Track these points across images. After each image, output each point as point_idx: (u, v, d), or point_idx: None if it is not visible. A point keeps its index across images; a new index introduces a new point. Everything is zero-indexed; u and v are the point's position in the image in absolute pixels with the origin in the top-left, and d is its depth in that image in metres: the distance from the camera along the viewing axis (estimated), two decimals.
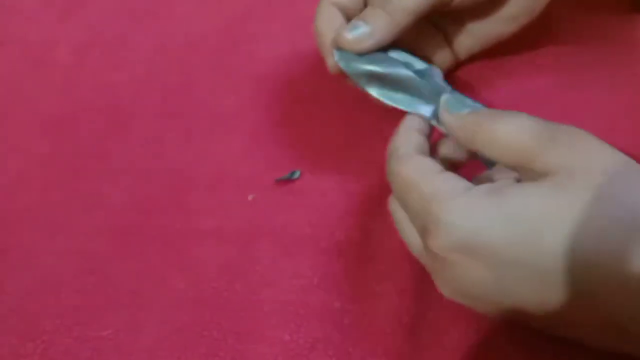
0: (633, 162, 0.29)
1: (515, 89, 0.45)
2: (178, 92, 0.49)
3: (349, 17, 0.39)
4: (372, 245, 0.39)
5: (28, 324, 0.38)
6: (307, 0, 0.53)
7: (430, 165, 0.32)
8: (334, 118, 0.46)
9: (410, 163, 0.32)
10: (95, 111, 0.48)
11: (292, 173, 0.43)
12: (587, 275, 0.27)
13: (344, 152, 0.44)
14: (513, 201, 0.28)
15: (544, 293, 0.28)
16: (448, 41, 0.43)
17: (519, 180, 0.32)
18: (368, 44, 0.37)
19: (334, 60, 0.38)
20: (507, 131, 0.31)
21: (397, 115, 0.36)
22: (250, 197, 0.43)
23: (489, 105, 0.43)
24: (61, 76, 0.51)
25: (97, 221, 0.43)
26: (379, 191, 0.41)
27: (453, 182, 0.31)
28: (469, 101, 0.35)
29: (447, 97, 0.35)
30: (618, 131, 0.42)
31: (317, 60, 0.49)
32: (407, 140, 0.34)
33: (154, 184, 0.44)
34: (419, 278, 0.37)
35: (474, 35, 0.42)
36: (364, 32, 0.37)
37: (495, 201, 0.29)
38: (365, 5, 0.39)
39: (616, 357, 0.29)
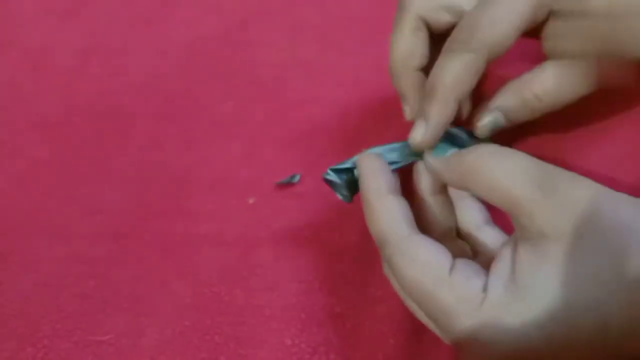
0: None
1: None
2: (178, 97, 0.49)
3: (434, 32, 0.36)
4: (373, 249, 0.39)
5: (28, 328, 0.38)
6: (305, 6, 0.53)
7: (440, 265, 0.30)
8: (334, 121, 0.46)
9: (415, 264, 0.30)
10: (95, 116, 0.48)
11: (292, 177, 0.43)
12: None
13: (344, 155, 0.44)
14: (536, 295, 0.27)
15: None
16: None
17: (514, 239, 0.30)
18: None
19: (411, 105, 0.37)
20: (503, 174, 0.29)
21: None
22: (250, 201, 0.43)
23: None
24: (61, 81, 0.51)
25: (97, 225, 0.42)
26: None
27: (469, 288, 0.29)
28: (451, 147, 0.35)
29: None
30: (616, 139, 0.42)
31: (316, 65, 0.50)
32: (394, 219, 0.31)
33: (154, 189, 0.44)
34: None
35: None
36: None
37: (519, 302, 0.27)
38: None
39: None
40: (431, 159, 0.33)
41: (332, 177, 0.35)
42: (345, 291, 0.38)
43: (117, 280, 0.40)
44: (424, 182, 0.35)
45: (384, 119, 0.44)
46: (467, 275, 0.29)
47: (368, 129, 0.44)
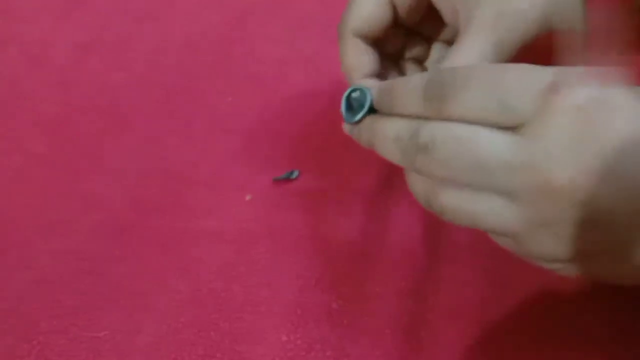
0: None
1: None
2: (177, 92, 0.49)
3: (375, 43, 0.37)
4: (370, 245, 0.39)
5: (24, 325, 0.38)
6: (304, 2, 0.53)
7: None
8: (332, 117, 0.45)
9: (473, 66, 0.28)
10: (93, 111, 0.48)
11: (290, 173, 0.43)
12: None
13: (342, 151, 0.44)
14: None
15: None
16: None
17: None
18: None
19: None
20: None
21: None
22: (248, 197, 0.42)
23: None
24: (60, 76, 0.50)
25: (95, 221, 0.42)
26: (377, 191, 0.40)
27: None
28: None
29: None
30: None
31: (315, 60, 0.49)
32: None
33: (152, 184, 0.44)
34: (418, 278, 0.37)
35: None
36: None
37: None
38: (394, 21, 0.36)
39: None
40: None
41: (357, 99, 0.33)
42: (343, 288, 0.38)
43: (114, 276, 0.40)
44: None
45: None
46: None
47: None
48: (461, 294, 0.36)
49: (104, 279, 0.40)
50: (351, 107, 0.34)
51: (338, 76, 0.47)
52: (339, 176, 0.42)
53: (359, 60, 0.36)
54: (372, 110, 0.32)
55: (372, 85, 0.33)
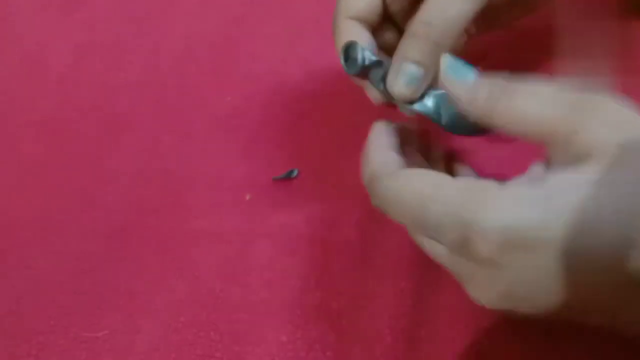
0: None
1: None
2: (175, 92, 0.49)
3: (368, 26, 0.36)
4: (370, 245, 0.39)
5: (23, 325, 0.38)
6: (304, 2, 0.53)
7: (436, 174, 0.28)
8: (332, 117, 0.45)
9: (412, 177, 0.29)
10: (92, 112, 0.48)
11: (290, 172, 0.43)
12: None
13: (341, 150, 0.43)
14: (564, 191, 0.25)
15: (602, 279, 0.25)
16: None
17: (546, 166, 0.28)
18: (423, 86, 0.33)
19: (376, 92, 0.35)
20: (529, 106, 0.27)
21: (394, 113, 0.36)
22: (247, 197, 0.42)
23: None
24: (58, 78, 0.51)
25: (94, 222, 0.42)
26: None
27: (480, 183, 0.27)
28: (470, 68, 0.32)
29: (449, 58, 0.31)
30: None
31: (314, 60, 0.49)
32: (387, 159, 0.31)
33: (151, 185, 0.44)
34: (417, 278, 0.37)
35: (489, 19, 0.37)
36: (418, 76, 0.32)
37: (542, 193, 0.25)
38: (384, 10, 0.36)
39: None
40: (454, 80, 0.31)
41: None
42: (342, 287, 0.38)
43: (113, 276, 0.40)
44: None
45: (382, 113, 0.43)
46: (477, 179, 0.28)
47: (366, 123, 0.43)
48: (461, 294, 0.36)
49: (103, 280, 0.40)
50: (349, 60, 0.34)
51: (338, 76, 0.47)
52: (338, 175, 0.42)
53: (354, 36, 0.35)
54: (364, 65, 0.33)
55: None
